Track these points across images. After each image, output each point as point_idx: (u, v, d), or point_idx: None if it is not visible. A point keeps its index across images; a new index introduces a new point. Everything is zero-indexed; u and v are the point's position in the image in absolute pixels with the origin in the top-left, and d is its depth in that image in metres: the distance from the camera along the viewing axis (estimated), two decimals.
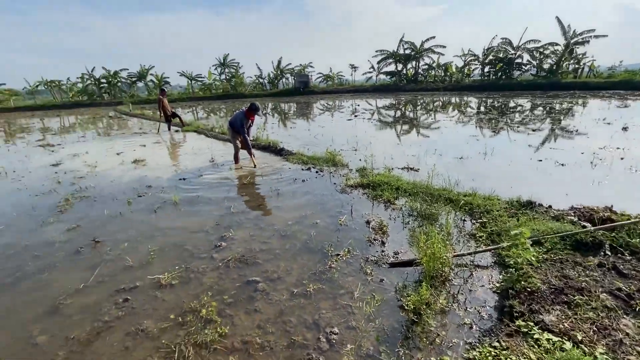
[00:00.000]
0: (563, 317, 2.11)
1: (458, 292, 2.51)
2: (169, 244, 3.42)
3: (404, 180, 4.81)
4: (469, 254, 2.91)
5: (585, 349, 1.84)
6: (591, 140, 7.36)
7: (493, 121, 11.02)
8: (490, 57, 31.03)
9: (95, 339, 2.19)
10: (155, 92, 33.85)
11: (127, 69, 34.14)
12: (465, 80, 32.51)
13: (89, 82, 33.54)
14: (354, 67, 39.05)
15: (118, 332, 2.25)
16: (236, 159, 6.46)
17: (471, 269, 2.79)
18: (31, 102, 33.96)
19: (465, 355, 1.94)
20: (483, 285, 2.58)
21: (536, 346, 1.90)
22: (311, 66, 37.90)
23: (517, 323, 2.09)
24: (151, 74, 34.64)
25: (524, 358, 1.83)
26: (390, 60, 35.04)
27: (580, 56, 26.08)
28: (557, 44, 26.64)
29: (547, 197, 3.99)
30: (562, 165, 5.58)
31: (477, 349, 1.95)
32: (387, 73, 36.64)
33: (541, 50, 27.79)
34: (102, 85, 33.84)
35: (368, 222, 3.68)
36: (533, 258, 2.66)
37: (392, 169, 5.56)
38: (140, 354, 2.06)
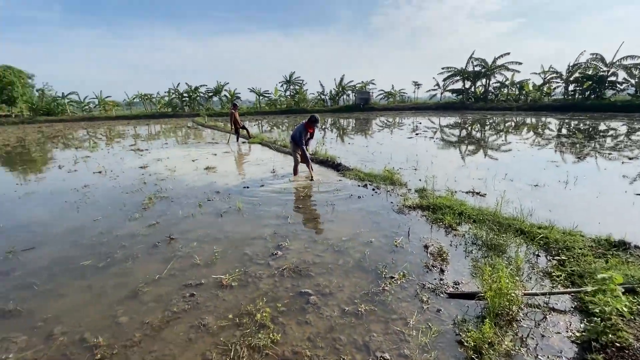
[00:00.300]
0: None
1: (528, 335, 2.26)
2: (232, 247, 3.67)
3: (468, 205, 4.52)
4: (543, 294, 2.60)
5: None
6: None
7: (577, 146, 9.82)
8: (577, 74, 27.93)
9: (165, 327, 2.43)
10: (227, 106, 37.15)
11: (206, 85, 38.19)
12: (544, 100, 29.58)
13: (173, 96, 38.26)
14: (417, 84, 38.27)
15: (184, 323, 2.46)
16: (295, 171, 6.72)
17: (545, 312, 2.49)
18: (128, 112, 39.86)
19: None
20: (559, 332, 2.28)
21: None
22: (373, 83, 38.14)
23: None
24: (225, 90, 38.18)
25: None
26: (457, 78, 33.60)
27: None
28: None
29: None
30: None
31: None
32: (453, 91, 35.16)
33: None
34: (184, 99, 38.26)
35: (426, 247, 3.52)
36: (625, 308, 2.28)
37: (455, 192, 5.27)
38: (201, 347, 2.23)
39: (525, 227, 3.74)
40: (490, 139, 12.16)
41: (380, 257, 3.33)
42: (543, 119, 20.38)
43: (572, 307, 2.53)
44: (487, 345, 2.12)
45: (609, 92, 26.84)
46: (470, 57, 31.70)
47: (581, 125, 16.09)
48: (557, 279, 2.86)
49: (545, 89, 30.43)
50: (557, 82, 30.06)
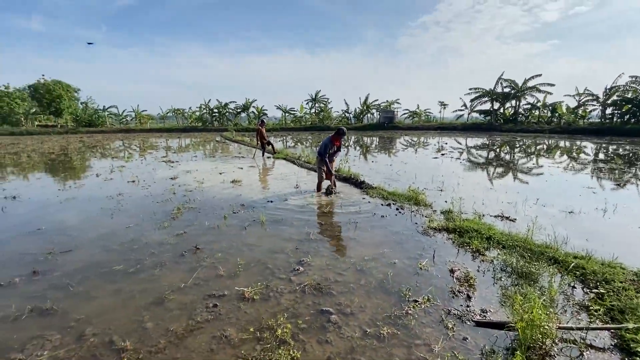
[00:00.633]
0: None
1: None
2: (254, 260, 3.71)
3: (497, 229, 4.36)
4: (580, 329, 2.44)
5: None
6: None
7: (617, 172, 9.29)
8: (615, 97, 26.71)
9: (189, 335, 2.49)
10: (254, 122, 38.41)
11: (235, 102, 39.85)
12: (579, 123, 28.38)
13: (204, 111, 39.97)
14: (443, 104, 37.96)
15: (206, 333, 2.51)
16: (319, 187, 6.77)
17: (581, 349, 2.32)
18: (161, 125, 42.00)
19: None
20: None
21: None
22: (398, 102, 38.24)
23: None
24: (253, 106, 39.60)
25: None
26: (486, 99, 33.04)
27: None
28: None
29: None
30: None
31: None
32: (480, 112, 34.53)
33: None
34: (213, 114, 39.95)
35: (452, 271, 3.41)
36: None
37: (483, 215, 5.10)
38: (222, 359, 2.25)
39: (559, 256, 3.55)
40: (520, 162, 11.74)
41: (404, 279, 3.25)
42: (578, 142, 19.49)
43: (611, 345, 2.35)
44: None
45: None
46: (500, 78, 31.19)
47: (620, 150, 15.24)
48: (596, 313, 2.68)
49: (580, 111, 29.25)
50: (592, 105, 28.84)
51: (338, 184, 7.41)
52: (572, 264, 3.35)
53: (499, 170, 10.06)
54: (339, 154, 6.89)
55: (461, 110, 36.05)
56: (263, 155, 13.11)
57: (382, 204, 5.94)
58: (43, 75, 36.32)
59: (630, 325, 2.32)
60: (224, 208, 5.80)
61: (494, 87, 31.84)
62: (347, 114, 39.61)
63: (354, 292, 3.04)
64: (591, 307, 2.75)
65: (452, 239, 4.25)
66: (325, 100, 38.87)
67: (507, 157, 13.43)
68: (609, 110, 27.70)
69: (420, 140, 22.08)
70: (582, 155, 13.49)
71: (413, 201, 5.91)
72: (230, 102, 39.64)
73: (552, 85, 29.30)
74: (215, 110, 39.71)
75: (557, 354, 2.27)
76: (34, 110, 37.92)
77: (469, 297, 2.94)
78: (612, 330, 2.44)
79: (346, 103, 40.26)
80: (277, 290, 3.07)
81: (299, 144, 20.07)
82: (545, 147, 17.31)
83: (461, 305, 2.82)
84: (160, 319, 2.68)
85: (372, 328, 2.54)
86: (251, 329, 2.53)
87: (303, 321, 2.63)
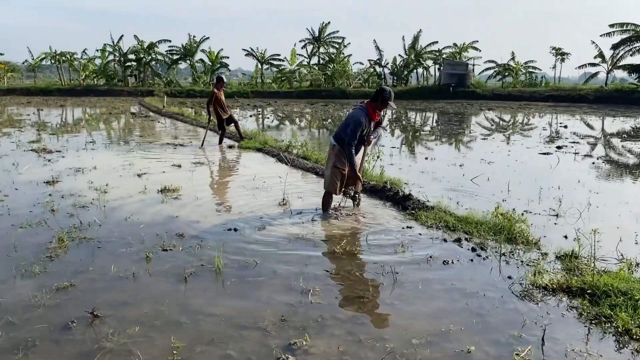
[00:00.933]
0: None
1: None
2: (203, 342, 2.29)
3: None
4: None
5: None
6: None
7: None
8: None
9: None
10: (205, 79, 25.01)
11: (169, 41, 24.39)
12: None
13: (110, 57, 24.80)
14: (561, 55, 24.48)
15: None
16: (327, 204, 4.37)
17: None
18: (30, 82, 27.12)
19: None
20: None
21: None
22: (475, 48, 24.67)
23: None
24: (203, 50, 25.02)
25: None
26: (638, 44, 20.86)
27: None
28: None
29: None
30: None
31: None
32: (632, 68, 21.43)
33: None
34: (128, 64, 25.32)
35: None
36: None
37: (638, 264, 3.26)
38: None
39: None
40: None
41: None
42: None
43: None
44: None
45: None
46: None
47: None
48: None
49: None
50: None
51: (363, 198, 4.88)
52: None
53: None
54: (379, 135, 4.38)
55: (595, 65, 23.09)
56: (221, 142, 8.88)
57: (444, 239, 3.90)
58: None
59: None
60: (145, 240, 3.72)
61: None
62: (378, 68, 25.53)
63: None
64: None
65: (577, 307, 2.58)
66: (339, 41, 24.98)
67: None
68: None
69: (517, 119, 15.69)
70: None
71: (504, 235, 3.83)
72: (161, 42, 24.20)
73: None
74: (132, 57, 24.61)
75: None
76: None
77: None
78: None
79: (378, 48, 24.56)
80: None
81: (287, 122, 16.76)
82: None
83: None
84: None
85: None
86: None
87: None
